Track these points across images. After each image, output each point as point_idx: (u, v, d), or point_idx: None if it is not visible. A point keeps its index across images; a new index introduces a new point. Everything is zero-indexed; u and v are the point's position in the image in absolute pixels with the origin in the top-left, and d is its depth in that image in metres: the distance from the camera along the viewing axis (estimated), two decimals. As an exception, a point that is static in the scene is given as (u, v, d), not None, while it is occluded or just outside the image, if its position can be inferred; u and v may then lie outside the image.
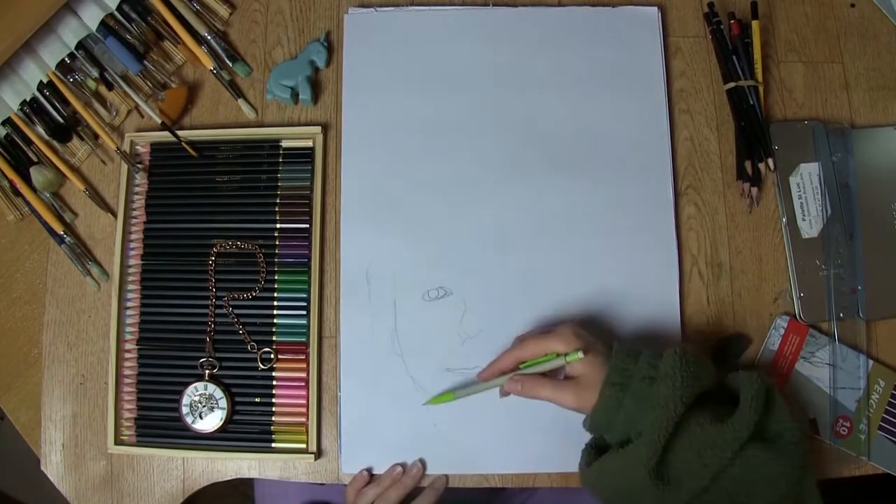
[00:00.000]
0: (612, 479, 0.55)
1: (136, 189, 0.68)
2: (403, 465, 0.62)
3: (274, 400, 0.64)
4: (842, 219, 0.66)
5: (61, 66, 0.68)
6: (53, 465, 0.65)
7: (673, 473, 0.52)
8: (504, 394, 0.60)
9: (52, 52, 0.68)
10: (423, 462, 0.62)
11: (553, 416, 0.62)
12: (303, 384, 0.64)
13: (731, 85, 0.68)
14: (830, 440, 0.62)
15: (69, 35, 0.68)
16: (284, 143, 0.68)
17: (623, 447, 0.53)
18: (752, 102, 0.67)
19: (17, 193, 0.67)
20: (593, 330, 0.58)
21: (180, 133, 0.67)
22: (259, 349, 0.64)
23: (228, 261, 0.66)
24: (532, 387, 0.57)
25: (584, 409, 0.56)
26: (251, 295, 0.65)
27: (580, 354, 0.55)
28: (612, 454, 0.55)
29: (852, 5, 0.72)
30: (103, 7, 0.68)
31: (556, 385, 0.57)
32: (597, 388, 0.54)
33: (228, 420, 0.63)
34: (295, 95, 0.69)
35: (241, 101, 0.69)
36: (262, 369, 0.64)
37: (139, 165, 0.68)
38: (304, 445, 0.63)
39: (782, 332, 0.64)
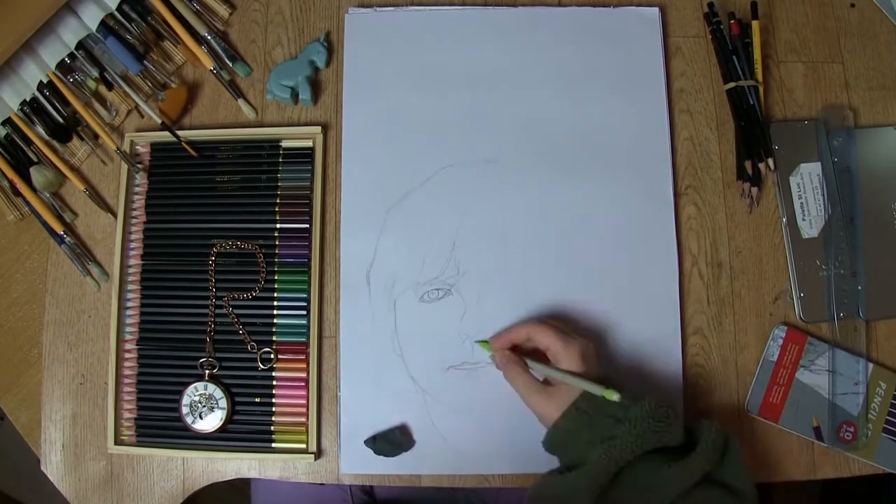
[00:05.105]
0: (553, 501, 0.55)
1: (136, 189, 0.68)
2: None
3: (274, 400, 0.64)
4: (842, 218, 0.66)
5: (61, 66, 0.68)
6: (53, 465, 0.65)
7: None
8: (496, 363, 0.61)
9: (52, 52, 0.68)
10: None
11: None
12: (303, 384, 0.64)
13: (732, 85, 0.68)
14: (835, 446, 0.62)
15: (69, 35, 0.68)
16: (284, 143, 0.68)
17: (568, 471, 0.53)
18: (752, 102, 0.67)
19: (17, 193, 0.67)
20: (602, 355, 0.59)
21: (180, 133, 0.67)
22: (259, 349, 0.64)
23: (228, 261, 0.66)
24: (511, 371, 0.58)
25: (544, 418, 0.56)
26: (251, 295, 0.65)
27: (615, 396, 0.53)
28: (555, 476, 0.55)
29: (852, 5, 0.72)
30: (103, 7, 0.68)
31: (529, 383, 0.57)
32: (564, 406, 0.54)
33: (228, 420, 0.63)
34: (295, 95, 0.69)
35: (241, 101, 0.69)
36: (262, 369, 0.64)
37: (139, 165, 0.68)
38: (304, 445, 0.63)
39: (781, 341, 0.64)
